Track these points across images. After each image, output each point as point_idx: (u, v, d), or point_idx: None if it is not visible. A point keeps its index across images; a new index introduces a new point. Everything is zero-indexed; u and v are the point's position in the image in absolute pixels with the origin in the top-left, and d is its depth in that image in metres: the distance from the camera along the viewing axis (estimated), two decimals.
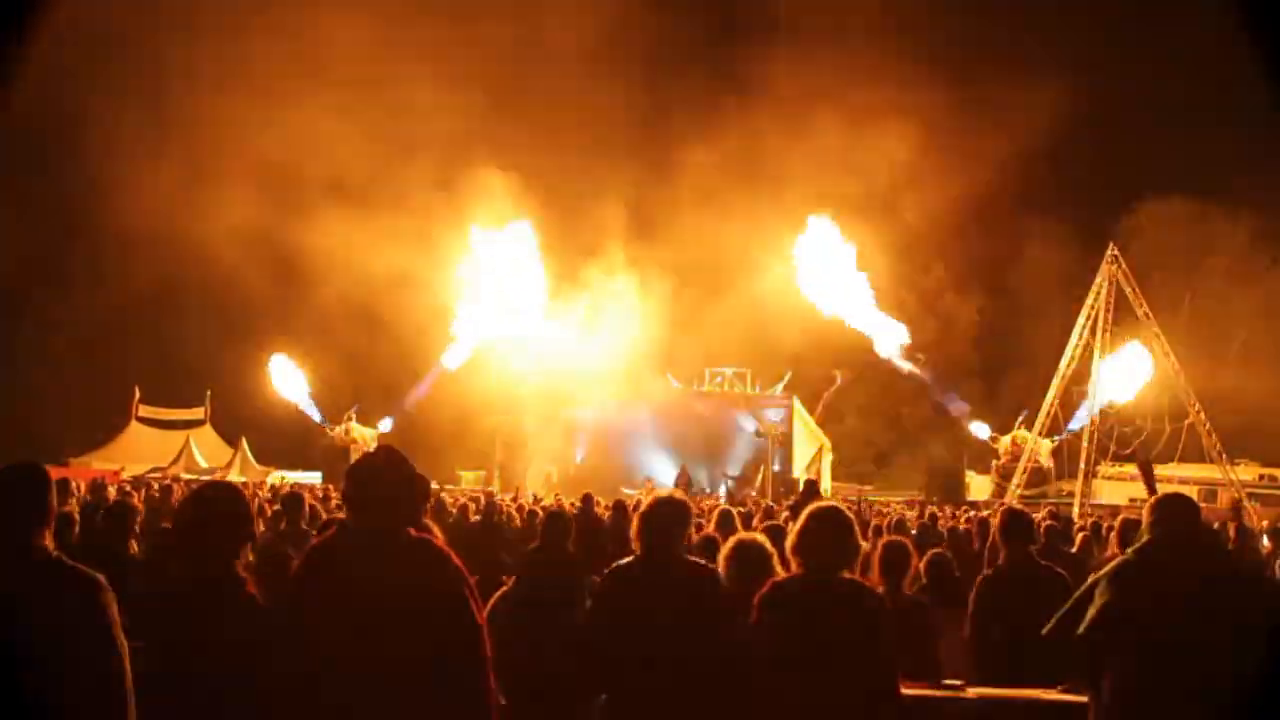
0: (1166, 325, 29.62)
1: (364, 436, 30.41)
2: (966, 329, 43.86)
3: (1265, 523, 22.34)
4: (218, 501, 4.06)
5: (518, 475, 28.98)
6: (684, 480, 27.03)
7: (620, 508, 11.72)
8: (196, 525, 4.00)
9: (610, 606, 4.62)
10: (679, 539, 4.65)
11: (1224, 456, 28.50)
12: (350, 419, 31.28)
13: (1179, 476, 27.84)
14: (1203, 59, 34.99)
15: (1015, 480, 26.91)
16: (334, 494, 16.54)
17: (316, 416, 33.26)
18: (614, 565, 4.76)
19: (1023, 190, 44.07)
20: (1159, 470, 27.44)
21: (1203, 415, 27.64)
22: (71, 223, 38.44)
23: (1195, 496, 21.38)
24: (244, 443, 34.64)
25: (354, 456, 26.80)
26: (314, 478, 29.26)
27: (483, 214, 33.24)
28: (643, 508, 4.78)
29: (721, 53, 43.32)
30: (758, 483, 26.60)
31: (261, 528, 9.61)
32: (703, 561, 4.80)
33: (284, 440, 36.30)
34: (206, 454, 34.95)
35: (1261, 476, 31.28)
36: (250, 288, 37.84)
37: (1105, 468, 28.96)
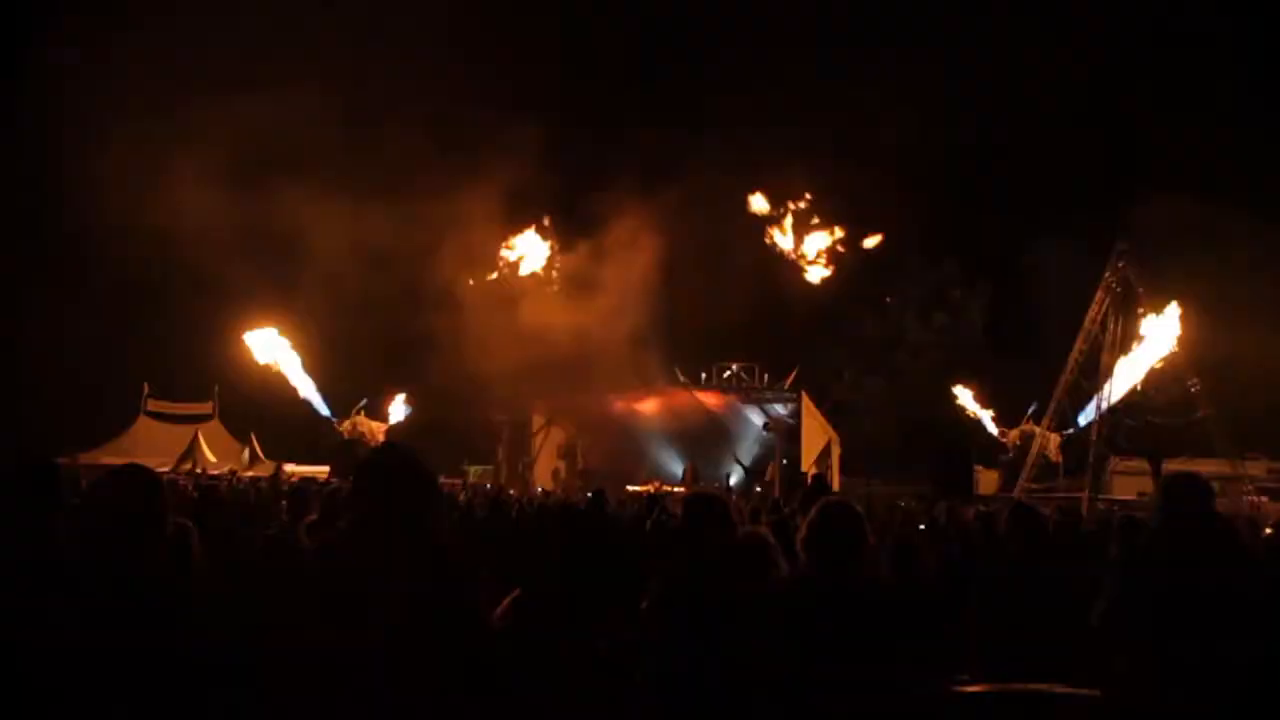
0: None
1: (372, 429, 30.42)
2: (975, 321, 43.82)
3: (1273, 519, 22.35)
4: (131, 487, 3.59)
5: (526, 469, 29.04)
6: (690, 475, 27.07)
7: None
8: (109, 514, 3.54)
9: (789, 627, 4.29)
10: (859, 553, 4.39)
11: (1236, 451, 28.55)
12: (359, 412, 31.30)
13: (1190, 471, 27.83)
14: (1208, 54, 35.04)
15: (1024, 475, 26.90)
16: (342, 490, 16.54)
17: (324, 410, 33.26)
18: (785, 581, 4.55)
19: (1033, 181, 44.16)
20: (1170, 466, 27.53)
21: (1213, 410, 27.64)
22: (73, 216, 38.53)
23: None
24: (253, 437, 34.76)
25: (361, 450, 26.91)
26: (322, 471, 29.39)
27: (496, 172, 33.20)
28: (811, 516, 4.44)
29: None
30: (767, 477, 26.63)
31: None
32: (878, 576, 4.63)
33: (293, 434, 36.35)
34: (215, 448, 35.06)
35: (1271, 470, 31.23)
36: (253, 278, 37.93)
37: (1116, 462, 28.97)
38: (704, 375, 31.43)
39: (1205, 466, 28.60)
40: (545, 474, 28.88)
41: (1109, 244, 29.32)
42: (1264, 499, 26.03)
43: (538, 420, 30.65)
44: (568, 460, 29.80)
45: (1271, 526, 14.82)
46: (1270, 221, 41.08)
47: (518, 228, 33.95)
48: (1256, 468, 30.79)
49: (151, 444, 34.71)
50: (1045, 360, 33.86)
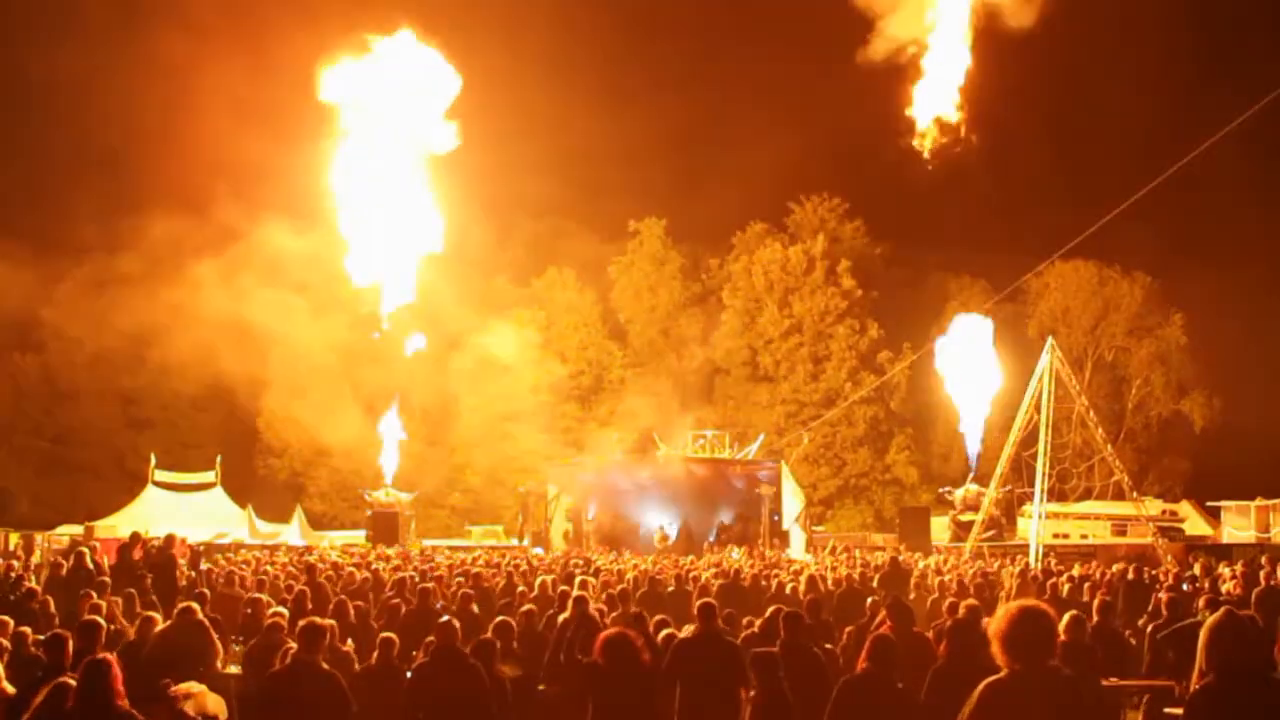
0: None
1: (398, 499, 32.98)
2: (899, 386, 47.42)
3: (1171, 558, 25.80)
4: None
5: (540, 528, 32.13)
6: (685, 532, 30.68)
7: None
8: None
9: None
10: (1053, 651, 4.63)
11: (1134, 494, 32.89)
12: (386, 484, 33.86)
13: (1094, 513, 32.03)
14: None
15: (975, 531, 30.39)
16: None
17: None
18: (990, 681, 4.61)
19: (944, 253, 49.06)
20: (1078, 507, 31.76)
21: (1117, 461, 31.98)
22: None
23: (1109, 533, 25.92)
24: (250, 507, 36.90)
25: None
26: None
27: None
28: (1006, 622, 4.63)
29: None
30: (760, 536, 29.94)
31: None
32: (1070, 672, 4.72)
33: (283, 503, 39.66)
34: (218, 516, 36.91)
35: (1164, 511, 35.07)
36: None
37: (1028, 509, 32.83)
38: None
39: (1107, 507, 32.59)
40: (558, 534, 32.07)
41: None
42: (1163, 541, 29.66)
43: (551, 489, 33.54)
44: (575, 523, 32.64)
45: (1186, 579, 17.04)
46: (1152, 288, 46.42)
47: None
48: (1152, 506, 34.51)
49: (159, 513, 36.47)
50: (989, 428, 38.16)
